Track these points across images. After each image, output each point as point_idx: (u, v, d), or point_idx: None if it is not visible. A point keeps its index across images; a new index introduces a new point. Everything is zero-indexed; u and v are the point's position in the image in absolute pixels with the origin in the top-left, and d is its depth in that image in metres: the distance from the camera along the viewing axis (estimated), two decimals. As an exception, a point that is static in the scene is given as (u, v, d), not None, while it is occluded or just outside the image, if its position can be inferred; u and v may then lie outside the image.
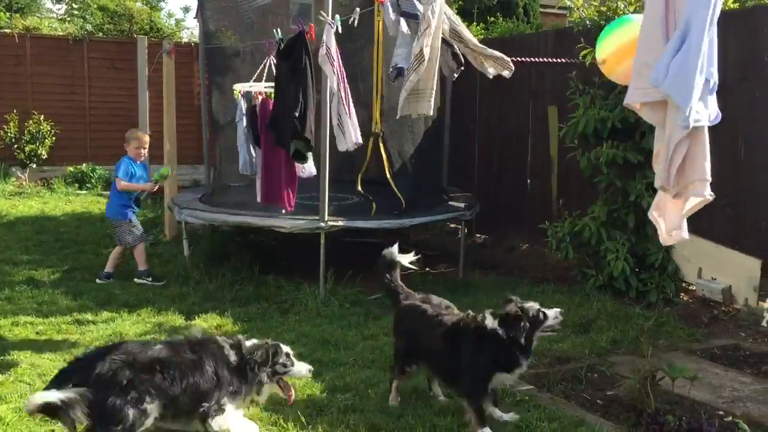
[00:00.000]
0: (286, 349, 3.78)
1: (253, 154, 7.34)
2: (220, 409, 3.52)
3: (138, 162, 7.11)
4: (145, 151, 7.19)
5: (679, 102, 3.22)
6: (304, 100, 5.68)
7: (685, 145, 3.33)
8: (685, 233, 3.66)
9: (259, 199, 6.92)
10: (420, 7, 5.33)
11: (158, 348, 3.48)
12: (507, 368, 3.83)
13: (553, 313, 3.91)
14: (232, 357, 3.63)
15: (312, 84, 5.84)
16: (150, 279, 6.96)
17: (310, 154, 6.08)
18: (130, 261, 7.75)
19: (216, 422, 3.50)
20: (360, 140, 5.95)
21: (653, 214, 3.77)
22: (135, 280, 6.96)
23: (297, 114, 5.62)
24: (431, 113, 5.59)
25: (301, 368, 3.79)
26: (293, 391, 3.83)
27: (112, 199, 7.17)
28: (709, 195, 3.41)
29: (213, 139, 9.37)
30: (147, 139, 7.29)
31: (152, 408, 3.30)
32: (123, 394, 3.21)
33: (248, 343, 3.73)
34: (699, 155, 3.37)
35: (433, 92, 5.49)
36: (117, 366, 3.25)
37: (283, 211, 6.63)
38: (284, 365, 3.71)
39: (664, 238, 3.77)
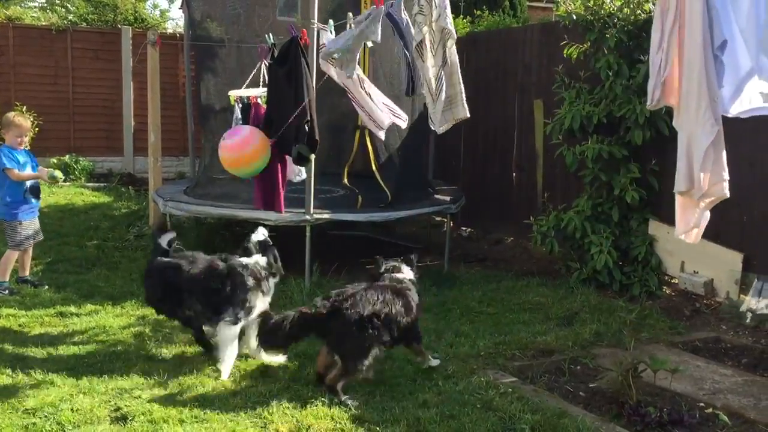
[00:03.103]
0: None
1: None
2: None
3: (19, 149, 6.27)
4: (26, 139, 6.36)
5: None
6: (308, 104, 5.66)
7: (711, 150, 3.44)
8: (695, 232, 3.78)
9: (256, 205, 6.78)
10: (405, 16, 5.34)
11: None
12: None
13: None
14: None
15: (312, 86, 5.81)
16: (6, 292, 6.14)
17: (312, 156, 6.06)
18: (115, 253, 7.71)
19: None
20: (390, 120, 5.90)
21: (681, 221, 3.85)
22: None
23: (308, 118, 5.61)
24: (468, 115, 5.55)
25: None
26: None
27: None
28: (727, 193, 3.52)
29: (198, 131, 9.31)
30: (28, 125, 6.45)
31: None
32: None
33: None
34: (721, 157, 3.49)
35: (463, 93, 5.48)
36: None
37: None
38: None
39: (685, 237, 3.87)
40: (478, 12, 11.25)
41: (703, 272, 6.39)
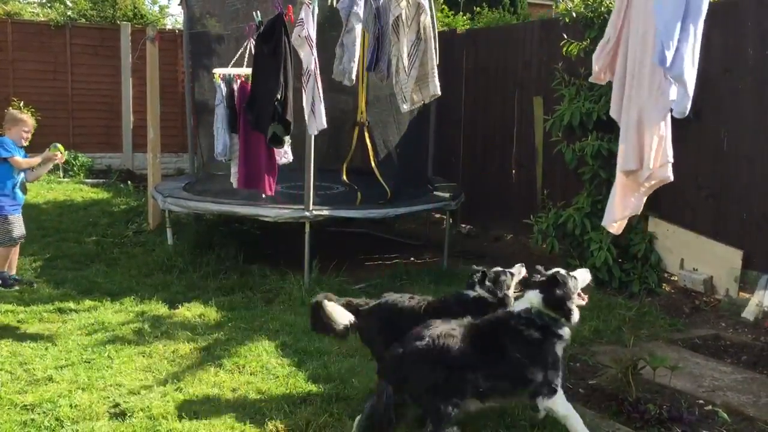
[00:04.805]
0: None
1: (233, 139, 7.19)
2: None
3: (19, 147, 6.23)
4: (29, 135, 6.31)
5: (689, 89, 3.18)
6: (285, 82, 5.61)
7: (663, 126, 3.34)
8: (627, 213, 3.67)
9: (236, 185, 6.73)
10: None
11: None
12: None
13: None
14: None
15: (292, 67, 5.78)
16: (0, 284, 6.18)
17: (287, 138, 5.99)
18: (114, 249, 7.71)
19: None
20: (325, 125, 5.83)
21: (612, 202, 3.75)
22: None
23: (279, 96, 5.54)
24: (439, 92, 5.50)
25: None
26: None
27: None
28: (671, 176, 3.42)
29: (197, 127, 9.30)
30: (33, 122, 6.44)
31: None
32: None
33: None
34: (668, 138, 3.38)
35: (435, 70, 5.43)
36: None
37: (264, 196, 6.57)
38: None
39: (610, 225, 3.76)
40: (478, 9, 11.25)
41: (703, 269, 6.39)
